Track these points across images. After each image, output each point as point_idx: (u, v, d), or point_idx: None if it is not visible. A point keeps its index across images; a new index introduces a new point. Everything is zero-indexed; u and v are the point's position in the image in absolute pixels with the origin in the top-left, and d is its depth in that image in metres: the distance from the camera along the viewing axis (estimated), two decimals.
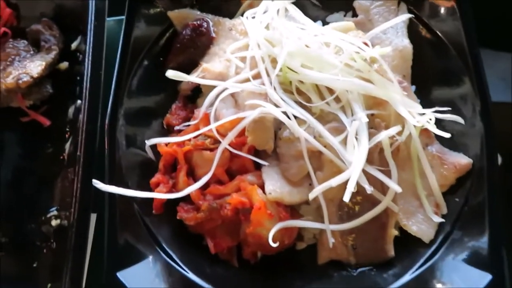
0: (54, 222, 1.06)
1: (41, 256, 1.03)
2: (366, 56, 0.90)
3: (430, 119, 0.86)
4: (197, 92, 1.07)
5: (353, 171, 0.80)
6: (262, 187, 0.89)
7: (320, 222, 0.89)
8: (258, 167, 0.93)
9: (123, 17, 1.06)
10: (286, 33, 0.91)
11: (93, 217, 1.03)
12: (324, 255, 0.92)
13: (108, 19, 1.14)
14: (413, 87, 1.02)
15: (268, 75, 0.90)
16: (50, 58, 1.16)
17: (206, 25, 1.04)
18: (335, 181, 0.81)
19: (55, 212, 1.07)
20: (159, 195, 0.91)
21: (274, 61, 0.91)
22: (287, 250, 0.94)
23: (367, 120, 0.85)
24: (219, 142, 0.89)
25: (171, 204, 0.95)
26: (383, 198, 0.87)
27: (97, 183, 0.89)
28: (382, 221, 0.89)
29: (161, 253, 0.91)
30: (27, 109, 1.16)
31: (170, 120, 1.03)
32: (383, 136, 0.85)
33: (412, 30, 1.04)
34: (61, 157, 1.11)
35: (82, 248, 0.95)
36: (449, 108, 0.91)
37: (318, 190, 0.82)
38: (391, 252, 0.90)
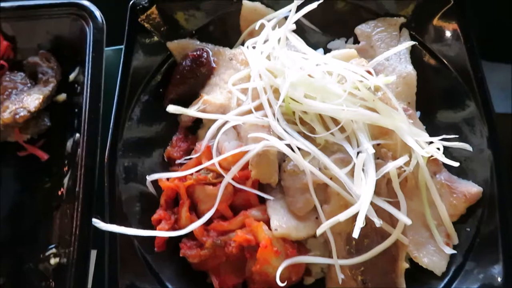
0: (53, 261, 1.02)
1: None
2: (370, 84, 0.88)
3: (438, 149, 0.84)
4: (198, 123, 1.05)
5: (362, 205, 0.77)
6: (267, 221, 0.86)
7: (327, 256, 0.87)
8: (262, 200, 0.91)
9: (121, 46, 1.04)
10: (288, 63, 0.89)
11: (93, 253, 1.00)
12: None
13: (105, 48, 1.12)
14: (418, 113, 1.00)
15: (270, 106, 0.88)
16: (48, 91, 1.14)
17: (206, 56, 1.02)
18: (343, 216, 0.78)
19: (54, 250, 1.03)
20: (161, 233, 0.88)
21: (276, 92, 0.90)
22: (294, 285, 0.91)
23: (374, 151, 0.83)
24: (222, 176, 0.87)
25: (174, 240, 0.92)
26: (392, 231, 0.84)
27: (97, 223, 0.86)
28: (392, 254, 0.86)
29: None
30: (24, 143, 1.14)
31: (171, 153, 1.01)
32: (391, 167, 0.83)
33: (414, 55, 1.02)
34: (60, 192, 1.08)
35: (82, 286, 0.92)
36: (457, 136, 0.89)
37: (325, 226, 0.80)
38: (403, 286, 0.87)
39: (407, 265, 0.87)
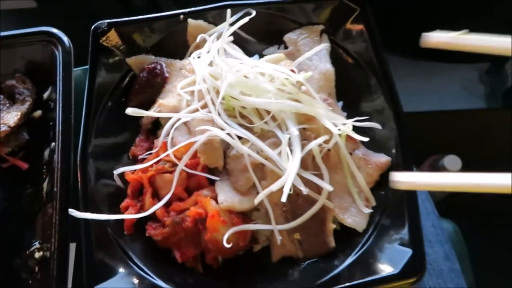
0: (37, 255, 1.16)
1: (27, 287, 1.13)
2: (294, 81, 1.07)
3: (349, 127, 1.03)
4: (157, 125, 1.21)
5: (288, 176, 0.95)
6: (216, 199, 1.03)
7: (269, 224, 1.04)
8: (212, 183, 1.07)
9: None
10: (226, 68, 1.07)
11: (73, 246, 1.15)
12: (276, 253, 1.05)
13: (75, 69, 1.29)
14: (341, 103, 1.19)
15: (213, 104, 1.06)
16: (25, 109, 1.30)
17: (160, 67, 1.20)
18: (274, 186, 0.96)
19: (37, 245, 1.18)
20: (129, 216, 1.04)
21: (218, 92, 1.07)
22: (245, 253, 1.08)
23: (298, 133, 1.01)
24: (177, 165, 1.04)
25: (141, 225, 1.08)
26: (319, 198, 1.02)
27: (72, 212, 1.02)
28: (321, 217, 1.03)
29: (134, 267, 1.02)
30: (6, 155, 1.29)
31: (135, 151, 1.17)
32: (313, 145, 1.01)
33: (335, 55, 1.21)
34: (40, 195, 1.23)
35: (64, 274, 1.06)
36: (367, 117, 1.09)
37: (261, 195, 0.97)
38: (332, 244, 1.04)
39: (334, 226, 1.05)
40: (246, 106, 1.07)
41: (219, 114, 1.05)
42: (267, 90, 1.06)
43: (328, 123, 1.02)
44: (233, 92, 1.06)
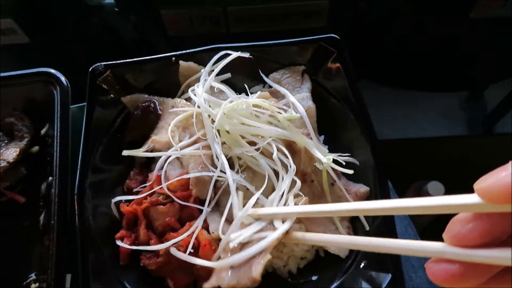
0: (33, 286, 1.20)
1: None
2: (281, 118, 1.15)
3: (332, 161, 1.12)
4: (151, 159, 1.28)
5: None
6: (208, 229, 1.10)
7: None
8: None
9: (84, 104, 1.28)
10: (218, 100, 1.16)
11: (68, 277, 1.19)
12: None
13: (71, 106, 1.36)
14: (322, 137, 1.28)
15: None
16: (23, 145, 1.36)
17: (153, 105, 1.28)
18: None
19: (33, 277, 1.22)
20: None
21: (213, 121, 1.14)
22: None
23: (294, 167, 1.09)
24: (170, 197, 1.11)
25: (136, 255, 1.14)
26: None
27: None
28: None
29: None
30: (4, 190, 1.34)
31: (130, 184, 1.23)
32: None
33: (317, 93, 1.31)
34: (37, 228, 1.28)
35: None
36: (349, 153, 1.17)
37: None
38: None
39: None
40: (240, 132, 1.12)
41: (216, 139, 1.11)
42: (259, 117, 1.14)
43: (317, 153, 1.10)
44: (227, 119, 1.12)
